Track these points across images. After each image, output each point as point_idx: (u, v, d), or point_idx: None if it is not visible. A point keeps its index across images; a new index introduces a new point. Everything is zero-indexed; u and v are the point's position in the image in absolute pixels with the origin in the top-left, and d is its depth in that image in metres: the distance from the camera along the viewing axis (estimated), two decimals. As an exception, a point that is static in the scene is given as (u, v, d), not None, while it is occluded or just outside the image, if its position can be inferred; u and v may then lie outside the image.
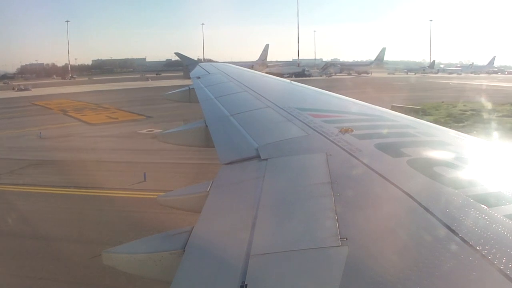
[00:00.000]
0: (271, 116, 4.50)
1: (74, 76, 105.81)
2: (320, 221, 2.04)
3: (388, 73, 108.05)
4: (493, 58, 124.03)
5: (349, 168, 2.65)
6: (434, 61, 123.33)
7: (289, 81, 8.79)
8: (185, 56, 15.37)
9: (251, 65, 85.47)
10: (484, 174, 2.56)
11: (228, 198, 2.65)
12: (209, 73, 9.78)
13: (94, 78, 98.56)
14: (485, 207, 1.94)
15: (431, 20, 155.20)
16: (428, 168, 2.46)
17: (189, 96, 8.11)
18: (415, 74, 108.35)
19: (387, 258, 1.66)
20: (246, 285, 1.59)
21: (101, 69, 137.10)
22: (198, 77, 9.23)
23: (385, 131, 3.60)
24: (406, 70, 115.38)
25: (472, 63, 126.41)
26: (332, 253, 1.70)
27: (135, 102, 47.28)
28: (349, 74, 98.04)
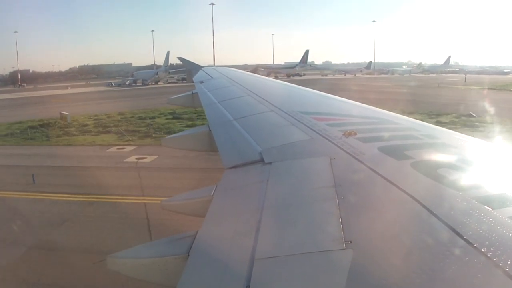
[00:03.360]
0: (275, 120, 4.51)
1: (23, 84, 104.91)
2: (324, 224, 2.04)
3: (322, 75, 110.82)
4: (449, 58, 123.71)
5: (353, 172, 2.64)
6: (370, 61, 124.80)
7: (292, 84, 8.80)
8: (188, 61, 15.43)
9: (155, 72, 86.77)
10: (488, 176, 2.55)
11: (232, 202, 2.65)
12: (212, 78, 9.82)
13: (39, 86, 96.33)
14: (490, 209, 1.93)
15: (374, 21, 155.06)
16: (432, 171, 2.45)
17: (193, 100, 8.15)
18: (355, 75, 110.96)
19: (392, 261, 1.66)
20: None
21: (66, 75, 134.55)
22: (201, 82, 9.27)
23: (388, 134, 3.60)
24: (343, 72, 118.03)
25: (420, 63, 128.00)
26: (337, 257, 1.70)
27: None
28: (276, 77, 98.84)
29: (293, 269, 1.72)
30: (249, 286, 1.61)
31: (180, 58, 17.47)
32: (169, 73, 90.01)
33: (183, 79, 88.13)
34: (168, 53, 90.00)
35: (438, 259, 1.58)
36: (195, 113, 28.25)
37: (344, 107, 5.40)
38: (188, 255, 2.01)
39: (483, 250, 1.59)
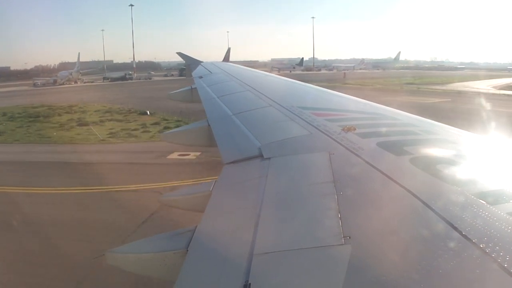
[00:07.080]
0: (274, 115, 4.50)
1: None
2: (323, 220, 2.04)
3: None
4: (399, 54, 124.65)
5: (352, 167, 2.65)
6: (302, 58, 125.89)
7: (292, 80, 8.79)
8: (188, 56, 15.37)
9: (69, 73, 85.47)
10: (487, 171, 2.55)
11: (231, 198, 2.65)
12: (211, 73, 9.80)
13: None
14: (489, 205, 1.93)
15: (313, 17, 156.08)
16: (431, 166, 2.45)
17: (192, 95, 8.14)
18: (290, 71, 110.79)
19: (391, 256, 1.66)
20: (250, 284, 1.59)
21: (29, 73, 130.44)
22: (201, 77, 9.25)
23: (387, 129, 3.59)
24: (277, 69, 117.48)
25: (363, 59, 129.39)
26: (336, 252, 1.71)
27: None
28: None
29: (292, 264, 1.72)
30: (248, 281, 1.61)
31: (179, 54, 17.37)
32: (80, 73, 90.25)
33: (104, 78, 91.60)
34: (79, 54, 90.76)
35: (437, 255, 1.59)
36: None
37: (344, 103, 5.40)
38: (187, 250, 2.01)
39: (481, 246, 1.59)
